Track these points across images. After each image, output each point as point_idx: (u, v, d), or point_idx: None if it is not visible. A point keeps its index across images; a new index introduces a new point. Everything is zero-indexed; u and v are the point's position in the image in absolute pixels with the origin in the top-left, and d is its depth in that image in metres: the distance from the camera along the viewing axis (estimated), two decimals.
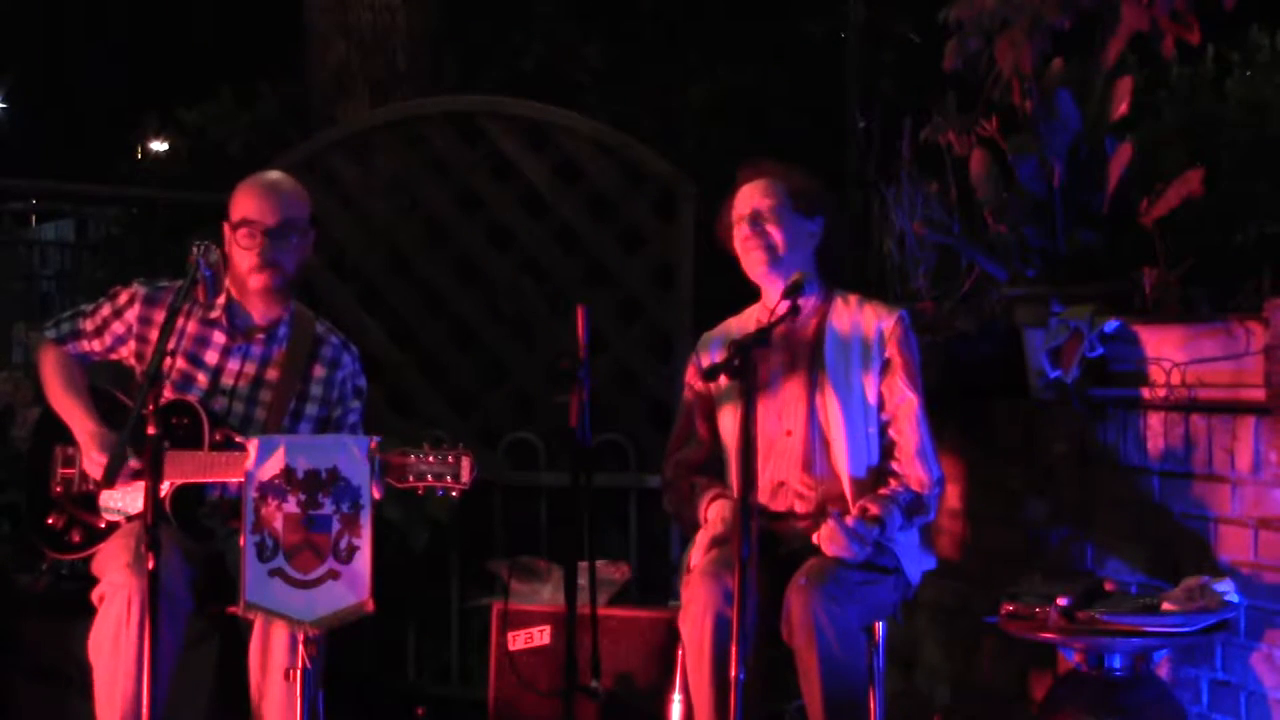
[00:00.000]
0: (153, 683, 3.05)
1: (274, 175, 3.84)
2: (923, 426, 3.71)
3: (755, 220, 3.73)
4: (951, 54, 4.23)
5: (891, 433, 3.72)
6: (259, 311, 3.77)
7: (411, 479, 3.43)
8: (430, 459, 3.43)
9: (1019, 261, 4.11)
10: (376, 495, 3.29)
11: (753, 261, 3.75)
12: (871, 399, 3.71)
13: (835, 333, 3.75)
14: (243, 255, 3.70)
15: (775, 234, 3.72)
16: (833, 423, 3.70)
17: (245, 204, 3.71)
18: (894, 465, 3.70)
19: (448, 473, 3.44)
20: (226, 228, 3.74)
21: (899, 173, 4.71)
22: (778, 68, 7.34)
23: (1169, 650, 3.60)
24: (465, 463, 3.44)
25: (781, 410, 3.74)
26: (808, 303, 3.76)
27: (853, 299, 3.81)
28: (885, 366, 3.72)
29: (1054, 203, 4.04)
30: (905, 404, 3.71)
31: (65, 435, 3.71)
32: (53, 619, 4.11)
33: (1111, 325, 3.76)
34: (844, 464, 3.70)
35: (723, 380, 3.62)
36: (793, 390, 3.74)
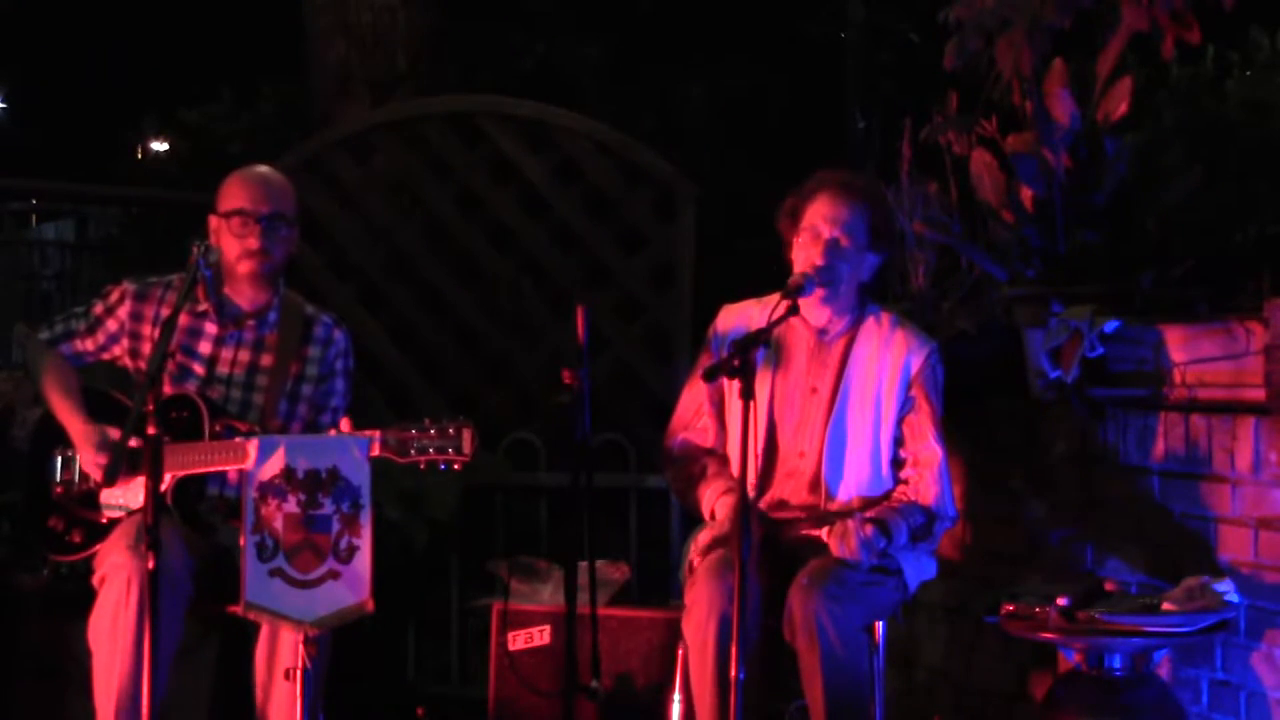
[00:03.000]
0: (152, 666, 3.05)
1: (262, 168, 3.89)
2: (944, 477, 3.67)
3: (833, 250, 3.62)
4: (951, 54, 4.23)
5: (911, 473, 3.68)
6: (246, 298, 3.80)
7: (413, 453, 3.43)
8: (431, 432, 3.43)
9: (1019, 261, 4.11)
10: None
11: (813, 288, 3.63)
12: (890, 432, 3.67)
13: (861, 358, 3.68)
14: (232, 243, 3.74)
15: (844, 272, 3.62)
16: (848, 450, 3.66)
17: (237, 194, 3.76)
18: (910, 492, 3.69)
19: (449, 445, 3.44)
20: (214, 219, 3.77)
21: (899, 173, 4.71)
22: (778, 68, 7.35)
23: (1169, 650, 3.60)
24: (466, 434, 3.44)
25: (798, 429, 3.70)
26: (838, 322, 3.70)
27: (885, 319, 3.73)
28: (909, 405, 3.67)
29: (1054, 203, 4.04)
30: (929, 453, 3.66)
31: (65, 437, 3.72)
32: (53, 619, 4.12)
33: (1111, 325, 3.76)
34: (853, 492, 3.67)
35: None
36: (812, 411, 3.69)
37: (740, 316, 3.77)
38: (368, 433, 3.40)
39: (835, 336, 3.72)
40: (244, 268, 3.75)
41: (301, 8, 6.33)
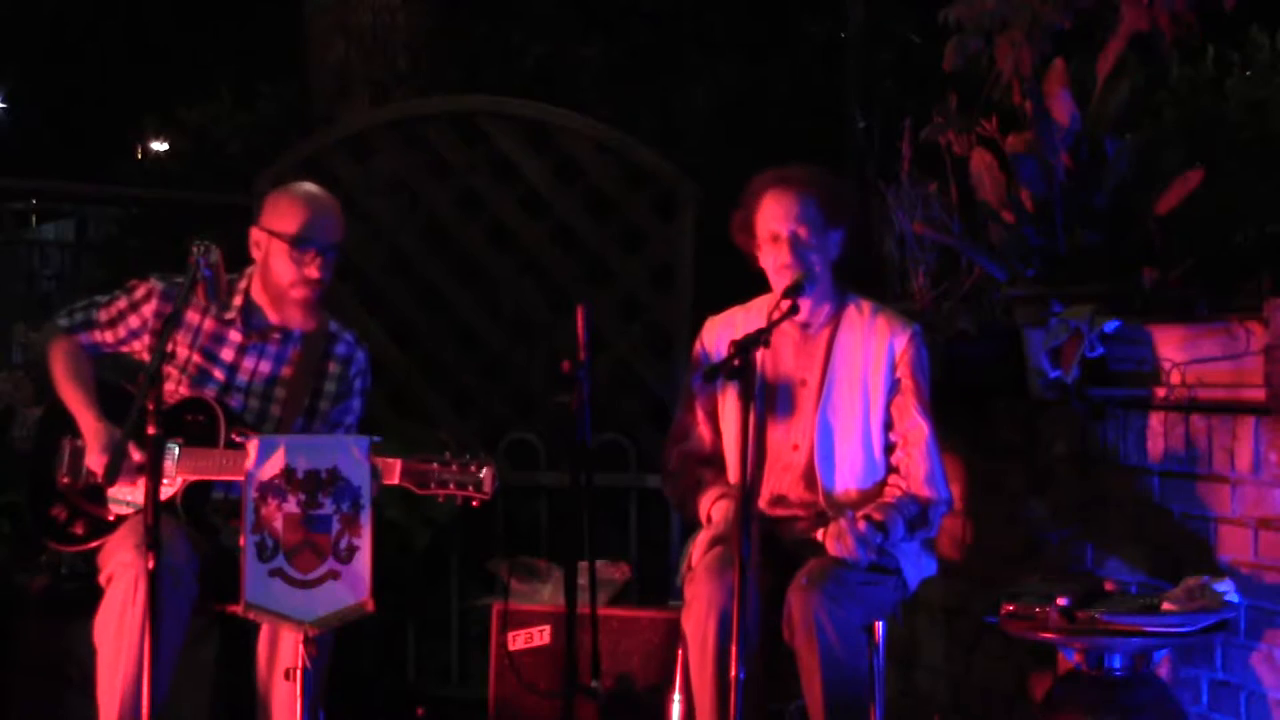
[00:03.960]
0: (155, 666, 3.06)
1: (321, 192, 3.84)
2: (933, 453, 3.67)
3: (796, 245, 3.64)
4: (951, 54, 4.23)
5: (900, 455, 3.69)
6: (294, 319, 3.78)
7: (433, 486, 3.45)
8: (454, 467, 3.45)
9: (1019, 261, 4.11)
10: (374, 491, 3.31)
11: (812, 289, 3.66)
12: (880, 418, 3.68)
13: (846, 347, 3.70)
14: (288, 267, 3.72)
15: (815, 260, 3.65)
16: (839, 441, 3.68)
17: (301, 219, 3.71)
18: (902, 483, 3.69)
19: (470, 482, 3.46)
20: (261, 234, 3.73)
21: (899, 173, 4.71)
22: (778, 68, 7.34)
23: (1169, 650, 3.60)
24: (487, 472, 3.45)
25: (790, 424, 3.72)
26: (820, 313, 3.72)
27: (866, 307, 3.75)
28: (896, 387, 3.68)
29: (1054, 203, 4.04)
30: (916, 430, 3.68)
31: (73, 427, 3.71)
32: (53, 619, 4.12)
33: (1111, 325, 3.76)
34: (848, 483, 3.68)
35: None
36: (802, 404, 3.71)
37: (725, 324, 3.80)
38: (388, 461, 3.41)
39: (818, 328, 3.73)
40: (299, 293, 3.74)
41: (301, 8, 6.32)
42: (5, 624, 4.25)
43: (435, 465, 3.44)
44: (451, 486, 3.45)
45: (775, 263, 3.67)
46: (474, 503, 3.46)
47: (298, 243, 3.70)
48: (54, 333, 3.82)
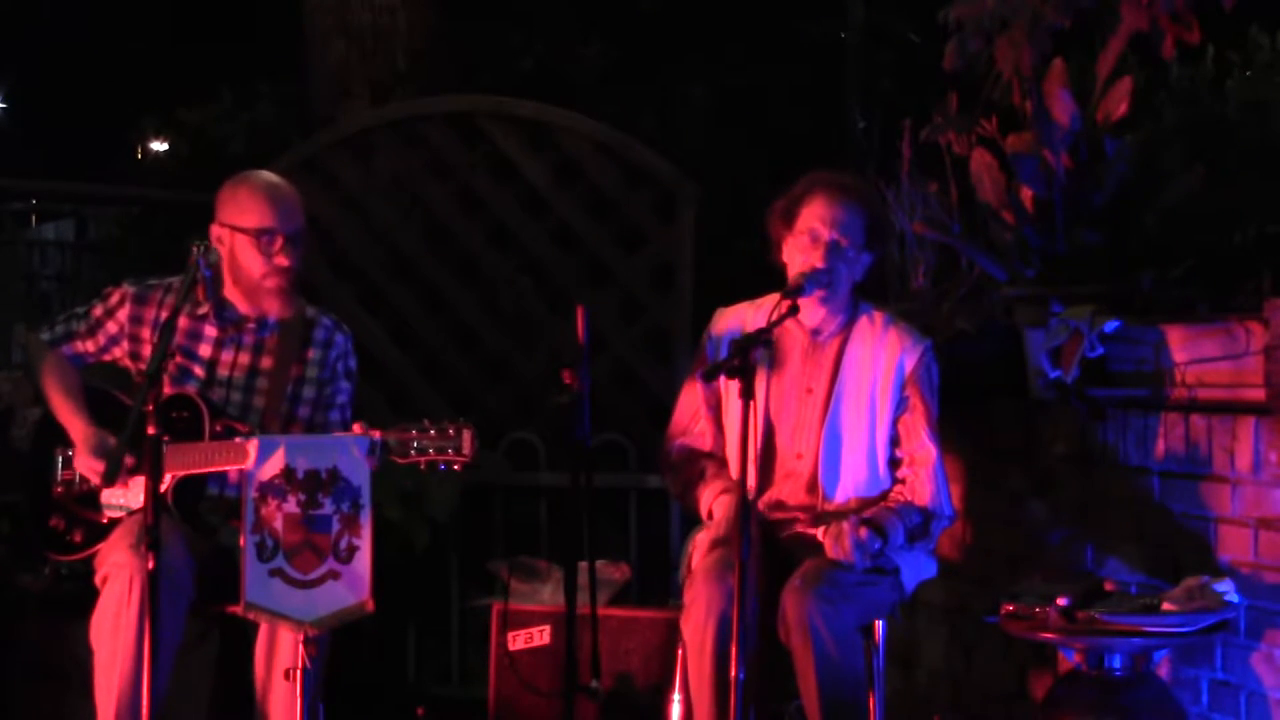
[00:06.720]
0: (152, 667, 3.06)
1: (275, 178, 3.83)
2: (939, 475, 3.66)
3: (833, 252, 3.61)
4: (951, 54, 4.23)
5: (907, 472, 3.67)
6: (272, 309, 3.76)
7: (413, 454, 3.44)
8: (431, 433, 3.44)
9: (1019, 261, 4.11)
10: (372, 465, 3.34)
11: (813, 289, 3.64)
12: (885, 432, 3.66)
13: (855, 358, 3.68)
14: (257, 259, 3.70)
15: (843, 272, 3.63)
16: (844, 451, 3.66)
17: (262, 211, 3.70)
18: (906, 493, 3.68)
19: (449, 446, 3.45)
20: (224, 230, 3.72)
21: (899, 173, 4.71)
22: (778, 68, 7.34)
23: (1169, 650, 3.60)
24: (466, 435, 3.45)
25: (795, 431, 3.70)
26: (832, 322, 3.71)
27: (879, 318, 3.73)
28: (904, 404, 3.66)
29: (1054, 203, 4.04)
30: (924, 452, 3.66)
31: (66, 437, 3.72)
32: (53, 619, 4.12)
33: (1111, 325, 3.76)
34: (850, 493, 3.67)
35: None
36: (808, 412, 3.69)
37: (735, 319, 3.77)
38: (368, 433, 3.41)
39: (829, 336, 3.72)
40: (273, 283, 3.72)
41: (301, 8, 6.33)
42: (5, 624, 4.25)
43: (414, 432, 3.44)
44: (431, 452, 3.44)
45: (804, 260, 3.65)
46: (455, 466, 3.46)
47: (262, 234, 3.69)
48: (39, 347, 3.83)
